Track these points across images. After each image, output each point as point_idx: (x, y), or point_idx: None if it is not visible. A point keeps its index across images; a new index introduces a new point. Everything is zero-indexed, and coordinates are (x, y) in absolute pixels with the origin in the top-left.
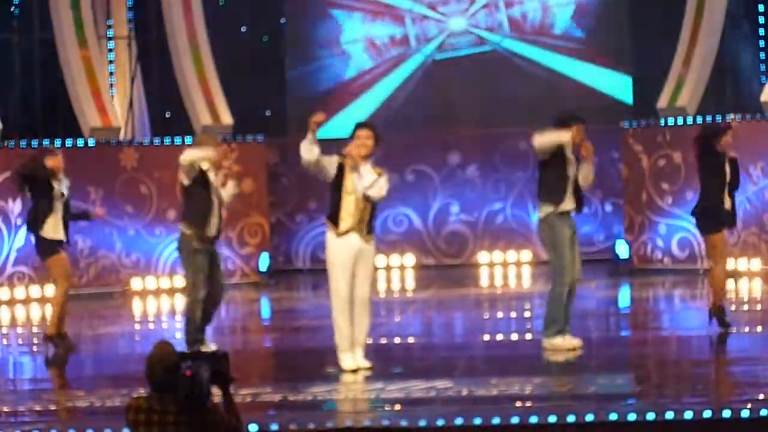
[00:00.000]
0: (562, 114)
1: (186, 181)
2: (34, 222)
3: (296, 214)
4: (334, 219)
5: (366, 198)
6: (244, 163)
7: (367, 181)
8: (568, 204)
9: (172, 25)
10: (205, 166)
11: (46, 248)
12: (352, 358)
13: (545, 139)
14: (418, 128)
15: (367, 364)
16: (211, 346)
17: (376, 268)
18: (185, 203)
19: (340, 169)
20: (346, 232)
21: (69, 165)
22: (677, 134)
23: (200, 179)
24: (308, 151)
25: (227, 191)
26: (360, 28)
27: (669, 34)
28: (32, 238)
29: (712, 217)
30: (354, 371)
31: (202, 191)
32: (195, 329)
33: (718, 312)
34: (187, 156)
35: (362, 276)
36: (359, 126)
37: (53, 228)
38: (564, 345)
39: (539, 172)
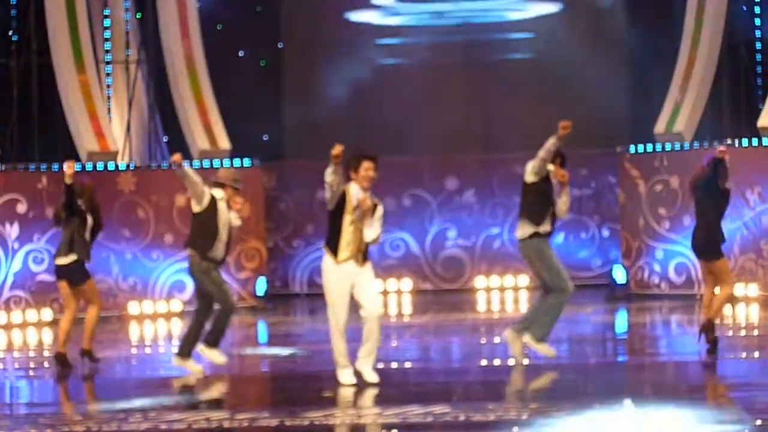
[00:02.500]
0: None
1: (197, 208)
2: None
3: (293, 239)
4: (333, 247)
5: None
6: (242, 188)
7: (371, 234)
8: (547, 226)
9: (170, 50)
10: (218, 195)
11: (83, 271)
12: (350, 374)
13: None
14: (416, 153)
15: (376, 378)
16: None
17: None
18: (193, 228)
19: (342, 198)
20: (345, 260)
21: None
22: (674, 159)
23: (211, 207)
24: (330, 175)
25: (234, 221)
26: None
27: (666, 60)
28: (71, 261)
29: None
30: (354, 385)
31: (211, 219)
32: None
33: (709, 328)
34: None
35: (368, 295)
36: (364, 157)
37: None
38: (549, 352)
39: (524, 194)
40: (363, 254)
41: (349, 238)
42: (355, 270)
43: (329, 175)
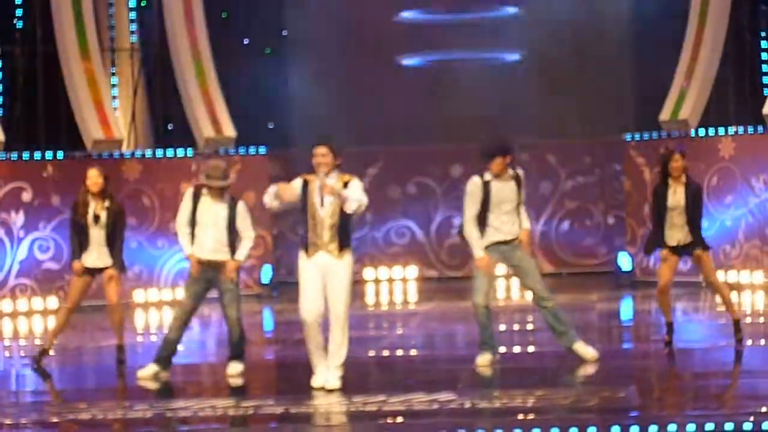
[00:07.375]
0: (488, 144)
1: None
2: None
3: (298, 226)
4: (303, 242)
5: (338, 215)
6: (247, 176)
7: (350, 206)
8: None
9: (175, 37)
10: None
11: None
12: (321, 376)
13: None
14: (421, 140)
15: (336, 384)
16: None
17: (351, 283)
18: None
19: (304, 190)
20: (314, 253)
21: (71, 177)
22: (679, 147)
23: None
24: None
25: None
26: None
27: (671, 47)
28: None
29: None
30: (320, 389)
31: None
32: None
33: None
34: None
35: (334, 293)
36: (316, 143)
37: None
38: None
39: None
40: (337, 245)
41: (316, 230)
42: (330, 262)
43: (271, 200)
